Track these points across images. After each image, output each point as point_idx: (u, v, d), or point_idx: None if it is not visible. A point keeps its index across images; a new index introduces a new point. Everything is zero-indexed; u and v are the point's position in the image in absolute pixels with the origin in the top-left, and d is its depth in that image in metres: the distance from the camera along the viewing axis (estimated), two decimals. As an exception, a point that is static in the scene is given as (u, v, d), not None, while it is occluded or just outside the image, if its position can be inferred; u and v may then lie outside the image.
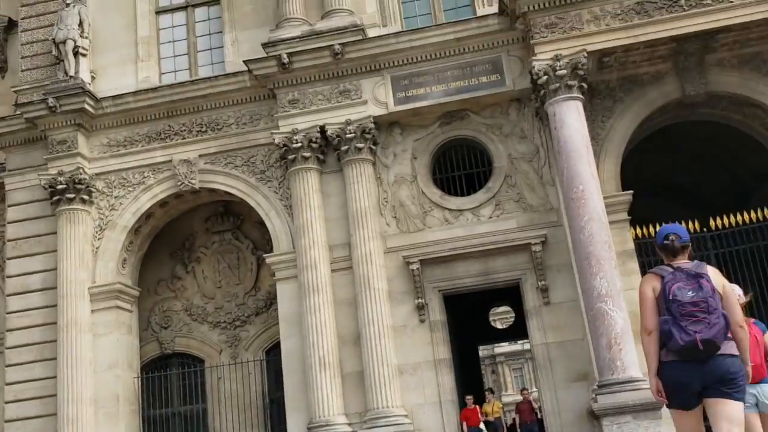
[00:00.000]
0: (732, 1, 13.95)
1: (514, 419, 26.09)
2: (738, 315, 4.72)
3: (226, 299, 17.96)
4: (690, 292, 4.52)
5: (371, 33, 16.63)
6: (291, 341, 15.50)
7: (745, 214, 15.33)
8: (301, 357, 15.12)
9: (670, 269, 4.72)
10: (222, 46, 17.89)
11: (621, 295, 13.21)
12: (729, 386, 4.51)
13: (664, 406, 4.91)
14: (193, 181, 16.89)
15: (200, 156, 16.93)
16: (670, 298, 4.54)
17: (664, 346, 4.55)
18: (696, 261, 4.82)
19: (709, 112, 16.02)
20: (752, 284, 15.11)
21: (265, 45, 16.38)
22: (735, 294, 5.02)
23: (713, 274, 4.77)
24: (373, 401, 14.49)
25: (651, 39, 14.32)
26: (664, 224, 4.93)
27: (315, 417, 14.55)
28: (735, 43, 14.86)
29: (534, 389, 19.34)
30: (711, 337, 4.41)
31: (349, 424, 14.61)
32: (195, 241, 18.43)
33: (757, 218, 15.29)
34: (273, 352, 17.05)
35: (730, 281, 14.16)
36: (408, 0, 17.48)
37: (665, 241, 4.86)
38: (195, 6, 18.58)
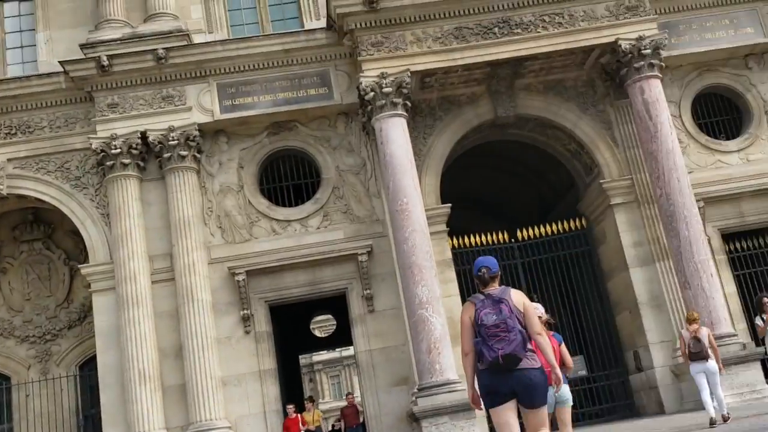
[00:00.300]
0: (539, 32, 15.24)
1: (333, 425, 26.49)
2: (536, 326, 5.61)
3: (36, 312, 17.04)
4: (493, 316, 5.43)
5: (197, 39, 16.42)
6: (108, 355, 14.91)
7: (547, 227, 16.85)
8: (120, 371, 14.61)
9: (482, 297, 5.60)
10: (35, 45, 16.93)
11: (440, 301, 13.99)
12: (532, 396, 5.42)
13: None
14: (0, 187, 15.81)
15: (9, 160, 15.96)
16: (480, 323, 5.46)
17: (480, 361, 5.51)
18: (503, 287, 5.71)
19: (518, 133, 17.35)
20: (552, 289, 16.61)
21: (83, 46, 15.68)
22: (535, 311, 5.94)
23: (515, 296, 5.63)
24: (196, 414, 14.27)
25: (468, 63, 15.29)
26: (479, 257, 5.98)
27: (134, 432, 14.09)
28: (541, 70, 16.22)
29: (357, 394, 19.80)
30: (511, 351, 5.32)
31: (171, 438, 14.30)
32: (1, 250, 17.33)
33: (557, 230, 16.87)
34: (88, 366, 16.38)
35: (535, 287, 15.39)
36: (234, 8, 17.41)
37: (478, 273, 5.71)
38: (4, 0, 17.37)
